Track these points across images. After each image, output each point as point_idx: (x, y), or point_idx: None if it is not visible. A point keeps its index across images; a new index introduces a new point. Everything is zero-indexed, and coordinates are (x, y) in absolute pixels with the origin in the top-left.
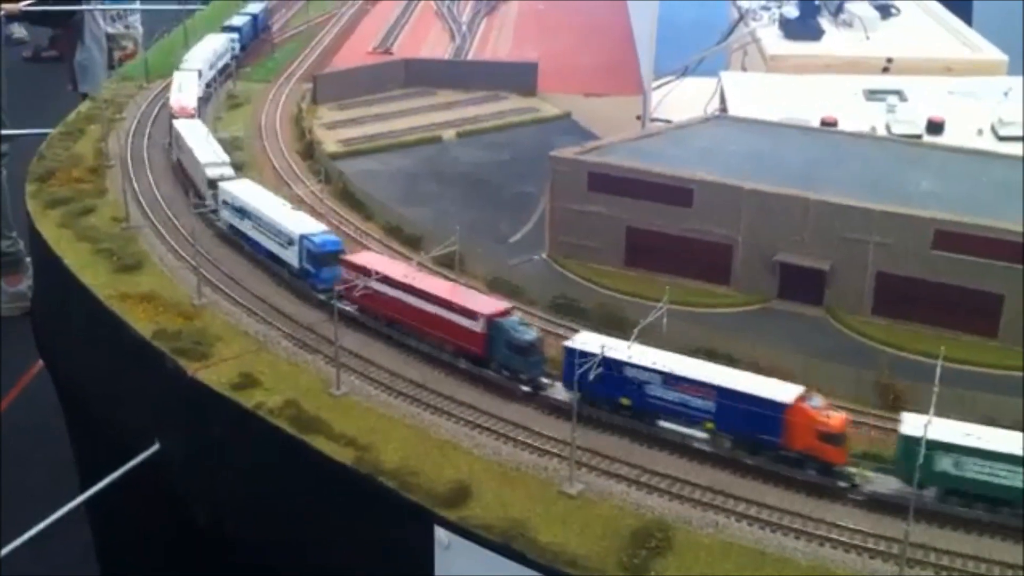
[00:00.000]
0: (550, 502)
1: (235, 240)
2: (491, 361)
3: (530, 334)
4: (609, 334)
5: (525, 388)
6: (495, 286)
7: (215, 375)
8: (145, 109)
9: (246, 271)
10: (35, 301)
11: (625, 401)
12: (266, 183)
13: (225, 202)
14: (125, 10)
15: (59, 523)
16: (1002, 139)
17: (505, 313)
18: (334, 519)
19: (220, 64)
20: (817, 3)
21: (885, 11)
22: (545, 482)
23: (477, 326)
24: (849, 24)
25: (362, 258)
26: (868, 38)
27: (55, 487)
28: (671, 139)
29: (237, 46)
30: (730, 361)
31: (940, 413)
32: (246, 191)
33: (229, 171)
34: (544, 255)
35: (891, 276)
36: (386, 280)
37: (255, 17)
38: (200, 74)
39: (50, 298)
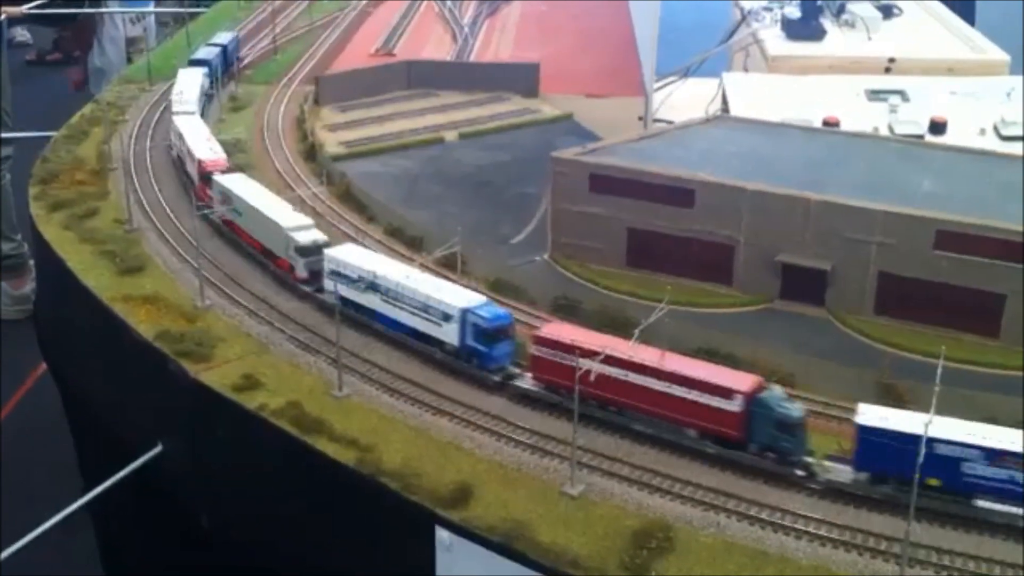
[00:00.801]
0: (552, 503)
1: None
2: (750, 443)
3: (797, 409)
4: (611, 334)
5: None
6: (497, 288)
7: (217, 377)
8: (148, 111)
9: (248, 273)
10: (38, 304)
11: (933, 482)
12: (269, 185)
13: (336, 272)
14: (142, 13)
15: (62, 526)
16: (1005, 139)
17: (762, 387)
18: (336, 520)
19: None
20: (819, 3)
21: (887, 11)
22: (547, 483)
23: (733, 405)
24: (851, 24)
25: (558, 331)
26: (870, 38)
27: (58, 489)
28: (672, 140)
29: (208, 82)
30: (733, 362)
31: (941, 412)
32: (362, 258)
33: (319, 234)
34: (545, 256)
35: (893, 276)
36: (608, 360)
37: (225, 48)
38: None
39: (53, 301)
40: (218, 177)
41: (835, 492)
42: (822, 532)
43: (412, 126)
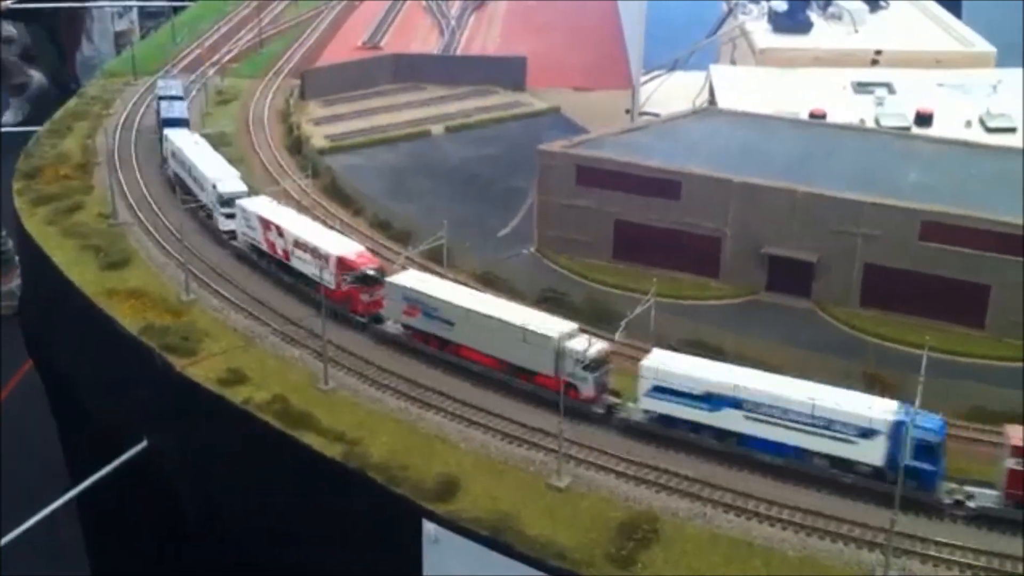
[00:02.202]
0: (538, 495)
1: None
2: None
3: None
4: (598, 326)
5: None
6: (484, 281)
7: (203, 371)
8: (132, 106)
9: (233, 266)
10: (23, 299)
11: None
12: (254, 178)
13: (662, 388)
14: (129, 7)
15: (51, 519)
16: (990, 131)
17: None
18: (323, 513)
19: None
20: None
21: (874, 4)
22: (533, 475)
23: None
24: (838, 17)
25: None
26: (857, 31)
27: (46, 484)
28: (659, 133)
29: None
30: (718, 354)
31: (927, 403)
32: (705, 369)
33: (600, 343)
34: (532, 249)
35: (879, 268)
36: None
37: (182, 99)
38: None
39: (38, 296)
40: (400, 279)
41: (821, 482)
42: (808, 522)
43: (398, 120)
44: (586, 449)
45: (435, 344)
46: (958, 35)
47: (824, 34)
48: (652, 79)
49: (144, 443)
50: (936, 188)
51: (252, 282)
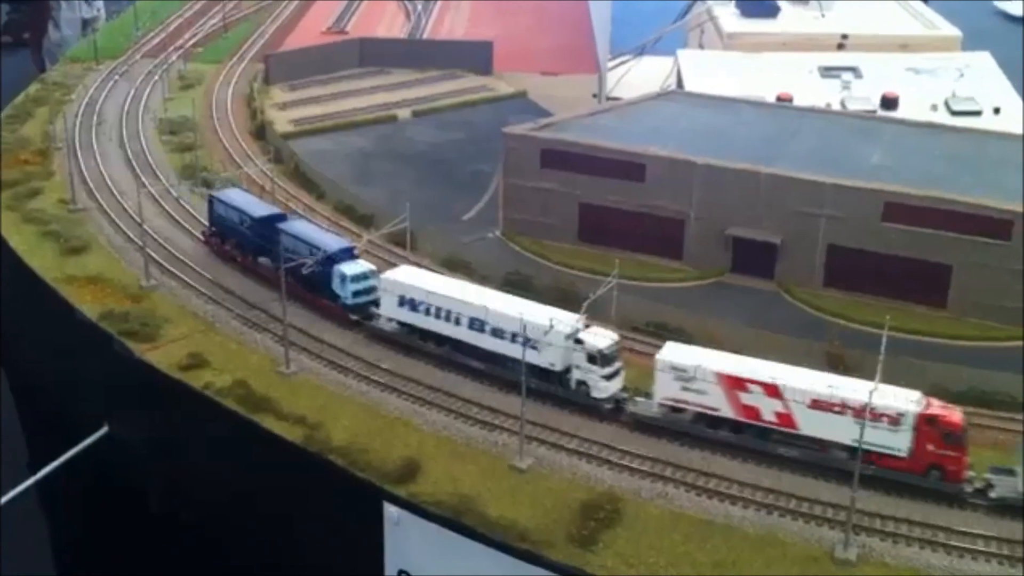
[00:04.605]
0: (500, 477)
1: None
2: None
3: None
4: (562, 308)
5: None
6: (448, 265)
7: (163, 356)
8: (94, 91)
9: (195, 251)
10: None
11: None
12: (216, 163)
13: None
14: None
15: (5, 510)
16: (955, 114)
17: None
18: (284, 497)
19: None
20: None
21: None
22: (496, 457)
23: None
24: (805, 2)
25: None
26: (823, 16)
27: (7, 474)
28: (625, 115)
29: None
30: (682, 336)
31: (888, 381)
32: None
33: None
34: (498, 233)
35: (842, 249)
36: None
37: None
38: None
39: None
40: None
41: (780, 461)
42: (768, 501)
43: (364, 104)
44: (548, 430)
45: None
46: (924, 19)
47: (791, 19)
48: (620, 64)
49: (105, 429)
50: (899, 169)
51: (213, 267)
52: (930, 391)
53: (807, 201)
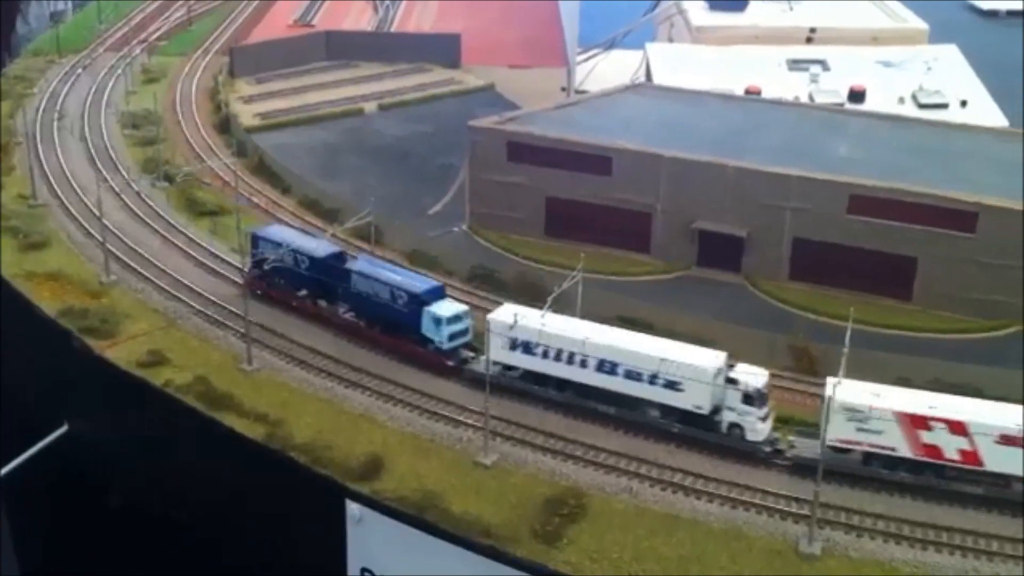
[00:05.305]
0: (464, 473)
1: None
2: None
3: None
4: (527, 303)
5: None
6: (414, 259)
7: (123, 353)
8: (56, 85)
9: (156, 246)
10: None
11: None
12: (179, 157)
13: None
14: None
15: None
16: (923, 107)
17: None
18: (246, 496)
19: None
20: None
21: None
22: (460, 453)
23: None
24: None
25: None
26: (792, 9)
27: None
28: (592, 108)
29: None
30: (649, 329)
31: (852, 374)
32: None
33: None
34: (464, 227)
35: (808, 242)
36: None
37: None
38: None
39: None
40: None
41: (746, 456)
42: (733, 495)
43: (331, 97)
44: (513, 426)
45: None
46: (891, 12)
47: (760, 12)
48: (589, 57)
49: (65, 427)
50: (865, 162)
51: (174, 261)
52: (895, 383)
53: (773, 194)
